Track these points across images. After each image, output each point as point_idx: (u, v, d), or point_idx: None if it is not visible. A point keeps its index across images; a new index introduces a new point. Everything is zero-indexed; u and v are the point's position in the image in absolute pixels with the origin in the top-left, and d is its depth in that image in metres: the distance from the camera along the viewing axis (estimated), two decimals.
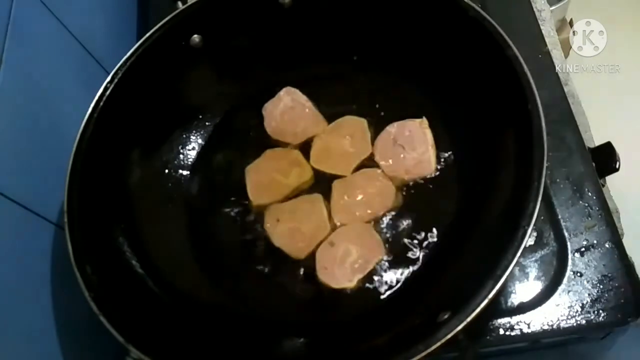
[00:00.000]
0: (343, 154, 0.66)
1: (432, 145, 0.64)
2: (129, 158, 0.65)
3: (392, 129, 0.65)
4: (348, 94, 0.71)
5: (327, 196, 0.64)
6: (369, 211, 0.62)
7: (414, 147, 0.64)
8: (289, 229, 0.62)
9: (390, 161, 0.64)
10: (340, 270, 0.59)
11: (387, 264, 0.59)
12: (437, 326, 0.45)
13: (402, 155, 0.64)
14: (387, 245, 0.60)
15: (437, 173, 0.63)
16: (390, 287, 0.58)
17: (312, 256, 0.60)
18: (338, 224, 0.62)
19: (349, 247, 0.60)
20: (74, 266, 0.52)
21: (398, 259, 0.59)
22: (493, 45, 0.57)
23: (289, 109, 0.70)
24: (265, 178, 0.66)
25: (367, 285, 0.58)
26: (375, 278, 0.58)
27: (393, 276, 0.58)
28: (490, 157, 0.59)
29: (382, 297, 0.57)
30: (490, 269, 0.46)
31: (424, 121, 0.65)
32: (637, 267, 0.58)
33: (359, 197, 0.63)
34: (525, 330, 0.55)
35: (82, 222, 0.55)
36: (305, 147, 0.68)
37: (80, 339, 0.57)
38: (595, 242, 0.59)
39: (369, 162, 0.65)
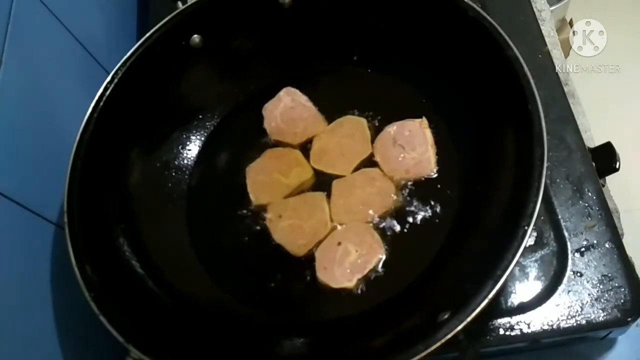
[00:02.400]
0: (343, 154, 0.66)
1: (432, 145, 0.64)
2: (129, 158, 0.65)
3: (392, 129, 0.65)
4: (348, 94, 0.71)
5: (327, 196, 0.64)
6: (368, 211, 0.62)
7: (413, 147, 0.64)
8: (291, 226, 0.62)
9: (390, 161, 0.64)
10: (340, 270, 0.59)
11: (387, 263, 0.59)
12: (437, 326, 0.45)
13: (402, 155, 0.64)
14: (386, 245, 0.60)
15: (437, 173, 0.63)
16: (390, 287, 0.58)
17: (312, 256, 0.60)
18: (337, 223, 0.62)
19: (348, 247, 0.60)
20: (74, 266, 0.52)
21: (398, 259, 0.59)
22: (493, 45, 0.57)
23: (288, 109, 0.70)
24: (265, 178, 0.66)
25: (367, 285, 0.58)
26: (376, 278, 0.58)
27: (393, 276, 0.58)
28: (490, 157, 0.59)
29: (382, 297, 0.57)
30: (490, 269, 0.46)
31: (424, 121, 0.65)
32: (637, 267, 0.58)
33: (359, 197, 0.63)
34: (525, 330, 0.55)
35: (82, 222, 0.55)
36: (305, 147, 0.68)
37: (80, 339, 0.57)
38: (595, 242, 0.59)
39: (369, 162, 0.65)
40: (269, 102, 0.70)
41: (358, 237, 0.60)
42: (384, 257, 0.59)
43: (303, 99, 0.70)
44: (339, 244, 0.60)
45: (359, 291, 0.58)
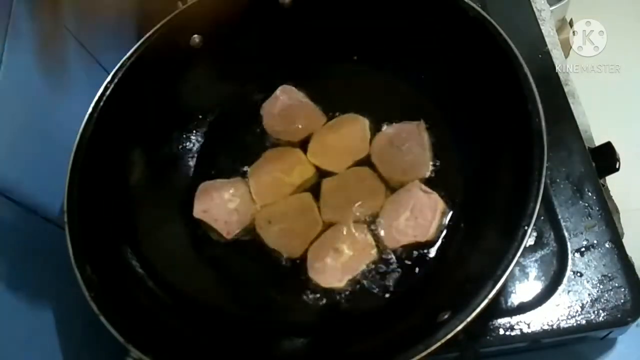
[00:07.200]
0: (339, 152, 0.66)
1: (429, 148, 0.64)
2: (129, 158, 0.65)
3: (389, 130, 0.65)
4: (347, 94, 0.71)
5: (316, 194, 0.64)
6: (358, 210, 0.62)
7: (410, 149, 0.64)
8: (282, 230, 0.62)
9: (387, 162, 0.64)
10: (331, 270, 0.58)
11: (385, 264, 0.59)
12: (437, 326, 0.45)
13: (398, 157, 0.64)
14: (383, 246, 0.60)
15: (435, 173, 0.63)
16: (390, 287, 0.58)
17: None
18: (327, 222, 0.62)
19: (341, 247, 0.59)
20: (74, 266, 0.52)
21: (397, 260, 0.59)
22: (493, 45, 0.57)
23: (286, 107, 0.70)
24: (268, 178, 0.66)
25: (367, 285, 0.58)
26: (374, 278, 0.58)
27: (393, 276, 0.58)
28: (490, 158, 0.59)
29: (382, 297, 0.57)
30: (490, 269, 0.46)
31: (421, 123, 0.65)
32: (637, 267, 0.58)
33: (348, 196, 0.62)
34: (525, 330, 0.55)
35: (82, 222, 0.55)
36: (306, 145, 0.68)
37: (80, 339, 0.57)
38: (595, 242, 0.59)
39: (365, 163, 0.65)
40: (266, 101, 0.71)
41: (350, 238, 0.60)
42: (377, 258, 0.59)
43: (300, 95, 0.70)
44: (332, 243, 0.60)
45: (359, 292, 0.58)
